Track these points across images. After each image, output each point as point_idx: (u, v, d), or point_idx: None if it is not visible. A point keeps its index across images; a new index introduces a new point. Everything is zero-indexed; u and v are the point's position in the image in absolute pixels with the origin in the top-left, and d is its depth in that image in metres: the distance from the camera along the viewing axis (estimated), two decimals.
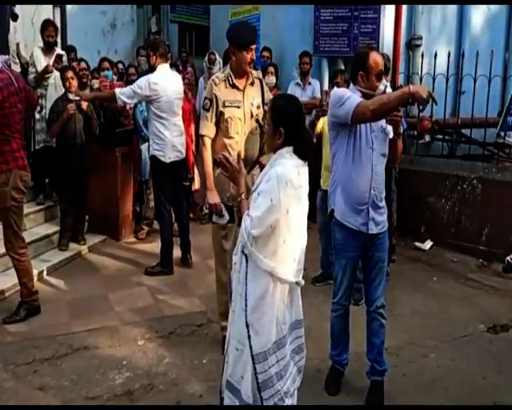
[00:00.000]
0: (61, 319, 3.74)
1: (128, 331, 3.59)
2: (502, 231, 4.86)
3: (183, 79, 5.20)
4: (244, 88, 3.25)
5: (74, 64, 5.50)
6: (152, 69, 4.38)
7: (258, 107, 3.27)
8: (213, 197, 3.18)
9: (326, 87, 6.22)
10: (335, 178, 2.79)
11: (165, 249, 4.59)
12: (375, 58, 2.67)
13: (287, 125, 2.21)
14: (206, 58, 6.76)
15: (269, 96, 3.32)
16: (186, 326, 3.66)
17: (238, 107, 3.22)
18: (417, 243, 5.35)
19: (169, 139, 4.34)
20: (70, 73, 4.82)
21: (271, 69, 5.84)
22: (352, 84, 2.77)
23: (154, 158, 4.43)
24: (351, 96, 2.60)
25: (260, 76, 3.37)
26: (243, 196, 2.25)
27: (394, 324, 3.16)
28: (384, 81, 2.75)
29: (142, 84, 4.24)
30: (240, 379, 2.18)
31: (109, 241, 5.34)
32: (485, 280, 4.50)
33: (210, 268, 4.51)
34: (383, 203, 2.83)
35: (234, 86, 3.22)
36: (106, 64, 5.75)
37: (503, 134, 5.42)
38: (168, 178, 4.45)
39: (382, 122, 2.74)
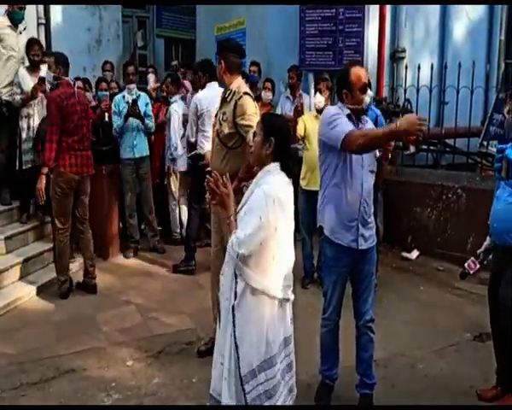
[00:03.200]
0: (48, 340, 3.70)
1: (116, 352, 3.56)
2: None
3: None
4: (221, 102, 3.33)
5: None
6: (202, 87, 4.75)
7: (220, 123, 3.26)
8: None
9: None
10: (325, 195, 2.79)
11: (189, 246, 4.90)
12: (356, 73, 2.70)
13: (277, 135, 2.24)
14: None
15: (238, 119, 3.20)
16: (175, 345, 3.64)
17: (216, 117, 3.35)
18: (404, 253, 5.39)
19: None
20: None
21: (268, 85, 5.90)
22: (339, 102, 2.80)
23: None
24: (340, 123, 2.61)
25: (237, 96, 3.22)
26: (232, 217, 2.23)
27: (382, 334, 3.18)
28: (369, 92, 2.79)
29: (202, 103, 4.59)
30: (220, 393, 2.19)
31: (97, 260, 5.28)
32: (471, 288, 4.53)
33: (199, 285, 4.53)
34: (372, 218, 2.86)
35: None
36: (104, 85, 5.80)
37: (485, 144, 5.50)
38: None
39: None
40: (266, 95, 5.82)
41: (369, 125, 2.84)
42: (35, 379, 3.22)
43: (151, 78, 6.75)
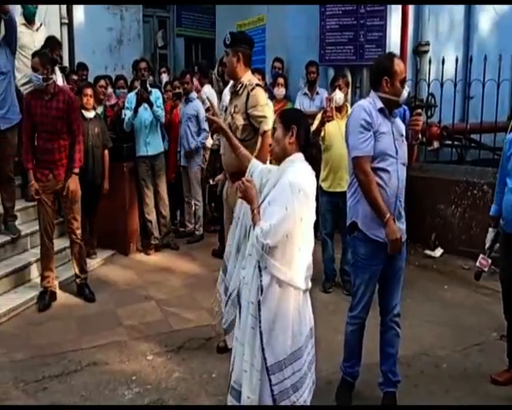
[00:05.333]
0: (70, 334, 3.75)
1: (137, 346, 3.58)
2: None
3: None
4: (231, 95, 3.33)
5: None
6: (226, 83, 4.94)
7: (232, 116, 3.23)
8: None
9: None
10: (358, 190, 2.71)
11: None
12: (400, 64, 2.68)
13: (298, 124, 2.23)
14: (216, 70, 6.81)
15: (251, 110, 3.17)
16: (194, 340, 3.65)
17: (224, 111, 3.36)
18: (428, 251, 5.29)
19: None
20: (90, 91, 4.87)
21: (281, 80, 5.84)
22: (372, 92, 2.75)
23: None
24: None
25: (249, 88, 3.20)
26: (255, 211, 2.23)
27: (405, 333, 3.11)
28: (407, 87, 2.75)
29: (226, 98, 4.51)
30: (242, 384, 2.18)
31: (118, 255, 5.38)
32: (497, 287, 4.39)
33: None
34: (404, 212, 2.80)
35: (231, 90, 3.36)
36: (121, 82, 5.87)
37: None
38: None
39: (403, 129, 2.75)
40: (279, 91, 5.76)
41: (398, 120, 2.79)
42: (57, 372, 3.26)
43: (164, 78, 6.81)
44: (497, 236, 3.17)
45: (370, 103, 2.69)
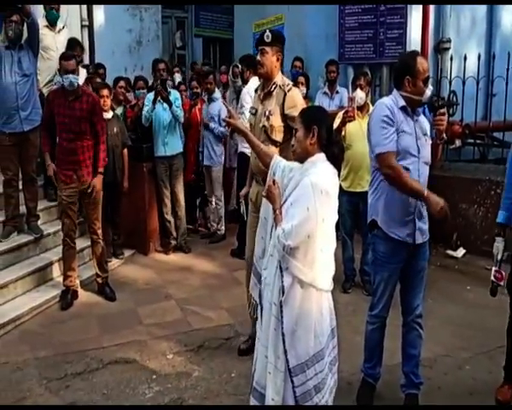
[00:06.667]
0: (91, 333, 3.79)
1: (157, 345, 3.61)
2: None
3: None
4: (263, 96, 3.23)
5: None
6: (245, 82, 5.02)
7: (267, 118, 3.14)
8: None
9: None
10: (379, 188, 2.70)
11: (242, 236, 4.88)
12: (422, 63, 2.63)
13: (319, 124, 2.21)
14: (230, 71, 6.83)
15: (290, 110, 3.10)
16: (214, 340, 3.66)
17: (253, 114, 3.26)
18: (449, 251, 5.20)
19: None
20: (106, 92, 4.92)
21: (302, 79, 5.81)
22: (394, 90, 2.72)
23: (243, 155, 4.85)
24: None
25: (286, 88, 3.16)
26: (278, 211, 2.22)
27: (427, 335, 3.06)
28: (430, 86, 2.72)
29: (246, 98, 4.61)
30: (265, 386, 2.17)
31: (137, 255, 5.43)
32: None
33: (237, 281, 4.54)
34: (426, 212, 2.76)
35: (258, 94, 3.29)
36: (141, 83, 5.94)
37: None
38: None
39: (427, 128, 2.72)
40: (300, 90, 5.72)
41: (421, 118, 2.75)
42: (80, 370, 3.30)
43: (177, 77, 6.85)
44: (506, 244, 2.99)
45: (392, 100, 2.66)
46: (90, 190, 4.17)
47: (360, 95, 4.19)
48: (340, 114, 4.18)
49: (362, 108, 4.24)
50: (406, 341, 2.86)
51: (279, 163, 2.44)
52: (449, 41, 6.23)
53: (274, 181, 2.30)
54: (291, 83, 3.24)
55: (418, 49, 6.02)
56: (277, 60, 3.15)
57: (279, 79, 3.18)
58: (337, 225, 2.34)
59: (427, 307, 3.89)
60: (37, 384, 3.16)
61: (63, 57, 4.09)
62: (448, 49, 6.19)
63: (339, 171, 2.31)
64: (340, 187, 4.21)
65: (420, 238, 2.70)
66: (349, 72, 6.51)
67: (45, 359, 3.44)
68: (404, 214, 2.65)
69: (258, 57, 3.15)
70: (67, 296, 4.22)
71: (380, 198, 2.69)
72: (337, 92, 6.03)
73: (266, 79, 3.21)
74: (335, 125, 4.13)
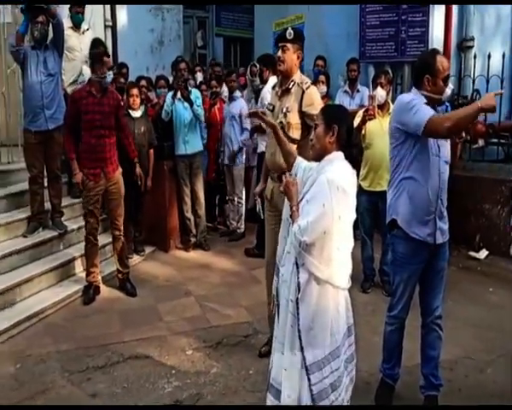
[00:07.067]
0: (113, 328, 3.86)
1: (176, 341, 3.65)
2: None
3: None
4: (281, 93, 3.23)
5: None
6: (264, 82, 4.99)
7: (285, 115, 3.14)
8: None
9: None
10: (399, 187, 2.67)
11: (261, 234, 4.86)
12: (442, 61, 2.61)
13: (339, 123, 2.21)
14: (248, 70, 6.86)
15: (308, 108, 3.10)
16: (233, 337, 3.68)
17: (271, 110, 3.26)
18: (472, 253, 5.13)
19: None
20: (135, 91, 5.01)
21: (322, 78, 5.82)
22: (414, 89, 2.69)
23: (263, 154, 4.79)
24: (421, 107, 2.51)
25: (304, 86, 3.16)
26: (294, 208, 2.23)
27: (447, 336, 3.03)
28: (450, 85, 2.69)
29: (267, 96, 4.59)
30: (281, 383, 2.19)
31: (158, 252, 5.50)
32: None
33: (256, 280, 4.56)
34: (446, 212, 2.74)
35: (275, 91, 3.30)
36: (162, 82, 6.01)
37: None
38: None
39: None
40: (320, 88, 5.70)
41: None
42: (101, 363, 3.36)
43: (199, 77, 6.89)
44: None
45: (414, 95, 2.64)
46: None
47: (381, 93, 4.15)
48: (361, 113, 4.15)
49: (382, 107, 4.21)
50: (425, 342, 2.83)
51: (300, 164, 2.44)
52: (472, 39, 6.12)
53: (292, 176, 2.31)
54: (309, 81, 3.24)
55: (441, 47, 5.95)
56: (298, 58, 3.17)
57: (297, 76, 3.19)
58: (356, 225, 2.33)
59: (447, 308, 3.85)
60: (60, 377, 3.23)
61: (105, 55, 4.31)
62: (471, 47, 6.09)
63: (357, 171, 2.30)
64: (360, 186, 4.27)
65: (440, 238, 2.68)
66: (370, 70, 6.45)
67: (68, 352, 3.52)
68: (425, 213, 2.63)
69: (279, 54, 3.16)
70: (90, 291, 4.31)
71: (400, 197, 2.67)
72: (358, 91, 6.00)
73: (285, 76, 3.21)
74: (355, 123, 4.12)
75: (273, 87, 3.43)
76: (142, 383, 3.16)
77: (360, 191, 4.24)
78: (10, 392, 3.07)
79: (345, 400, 2.24)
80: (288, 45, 3.13)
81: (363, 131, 4.19)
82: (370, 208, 4.34)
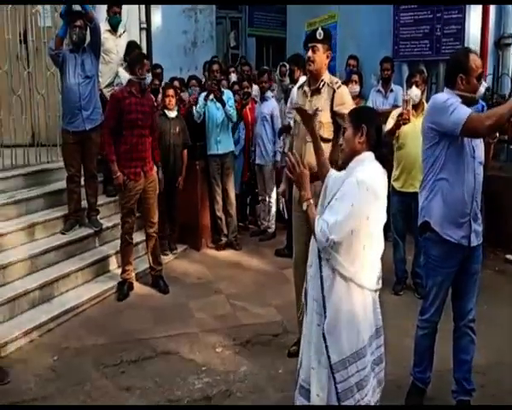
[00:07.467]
0: (145, 324, 3.95)
1: (207, 338, 3.71)
2: None
3: None
4: (311, 93, 3.23)
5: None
6: (295, 81, 4.97)
7: (315, 114, 3.06)
8: None
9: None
10: (432, 189, 2.64)
11: (290, 235, 4.86)
12: (475, 59, 2.57)
13: (368, 123, 2.20)
14: (278, 70, 6.87)
15: (339, 107, 3.10)
16: (263, 335, 3.71)
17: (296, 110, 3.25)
18: (508, 256, 4.99)
19: None
20: (171, 91, 5.11)
21: (355, 77, 5.78)
22: (446, 89, 2.65)
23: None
24: (459, 106, 2.47)
25: (335, 85, 3.17)
26: (311, 201, 2.22)
27: (481, 341, 2.96)
28: (484, 83, 2.64)
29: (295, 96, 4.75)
30: (310, 382, 2.20)
31: (190, 250, 5.58)
32: None
33: (286, 279, 4.56)
34: (480, 214, 2.69)
35: (303, 91, 3.29)
36: (194, 82, 6.09)
37: None
38: None
39: None
40: (353, 88, 5.65)
41: None
42: (134, 358, 3.45)
43: (233, 77, 6.95)
44: None
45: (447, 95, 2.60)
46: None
47: (415, 92, 4.08)
48: (394, 115, 4.10)
49: (417, 107, 4.13)
50: (458, 346, 2.79)
51: (331, 175, 2.39)
52: (510, 36, 5.94)
53: (304, 166, 2.26)
54: (339, 81, 3.25)
55: (477, 45, 5.81)
56: (327, 58, 3.18)
57: (327, 76, 3.21)
58: (388, 226, 2.31)
59: (482, 312, 3.76)
60: (95, 369, 3.33)
61: (146, 57, 4.47)
62: (510, 44, 5.91)
63: (389, 172, 2.28)
64: (392, 187, 4.22)
65: (475, 241, 2.63)
66: (404, 69, 6.35)
67: (102, 345, 3.63)
68: (459, 215, 2.59)
69: (309, 54, 3.17)
70: (124, 288, 4.42)
71: (433, 199, 2.63)
72: (391, 90, 5.91)
73: (314, 77, 3.22)
74: (389, 125, 4.07)
75: (299, 87, 3.44)
76: (174, 378, 3.22)
77: (392, 192, 4.22)
78: (48, 383, 3.20)
79: (372, 401, 2.22)
80: (318, 45, 3.14)
81: (396, 134, 4.14)
82: (403, 210, 4.28)
